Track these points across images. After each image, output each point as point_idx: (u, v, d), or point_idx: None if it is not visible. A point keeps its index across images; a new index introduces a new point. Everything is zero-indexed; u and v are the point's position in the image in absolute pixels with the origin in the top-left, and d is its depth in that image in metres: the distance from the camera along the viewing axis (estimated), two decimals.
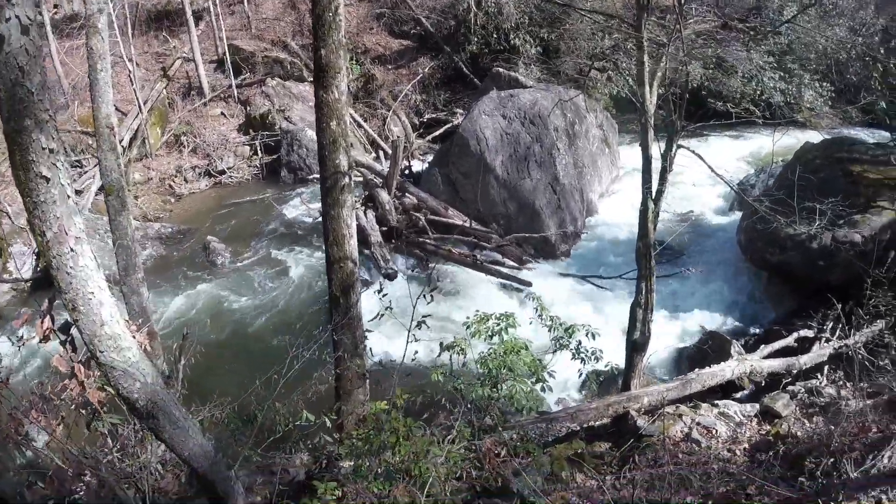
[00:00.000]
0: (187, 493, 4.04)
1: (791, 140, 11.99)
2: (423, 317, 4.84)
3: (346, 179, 5.43)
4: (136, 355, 2.95)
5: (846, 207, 9.08)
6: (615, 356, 7.01)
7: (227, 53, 17.39)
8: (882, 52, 10.29)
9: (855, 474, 4.12)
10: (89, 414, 3.54)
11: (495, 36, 16.77)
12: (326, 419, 5.00)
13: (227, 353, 8.80)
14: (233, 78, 17.29)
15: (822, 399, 7.18)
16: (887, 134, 10.17)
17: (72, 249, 2.56)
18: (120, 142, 9.62)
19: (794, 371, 7.71)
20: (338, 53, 5.11)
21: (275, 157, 15.87)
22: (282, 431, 4.94)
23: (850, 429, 4.78)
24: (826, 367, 7.87)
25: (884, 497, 3.80)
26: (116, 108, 9.53)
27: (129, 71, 15.36)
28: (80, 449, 3.39)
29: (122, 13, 16.51)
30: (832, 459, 4.40)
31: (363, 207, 11.81)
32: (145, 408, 3.04)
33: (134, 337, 3.08)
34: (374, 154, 15.23)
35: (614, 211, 12.32)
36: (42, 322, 2.94)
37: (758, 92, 10.92)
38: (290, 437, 5.30)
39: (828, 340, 8.11)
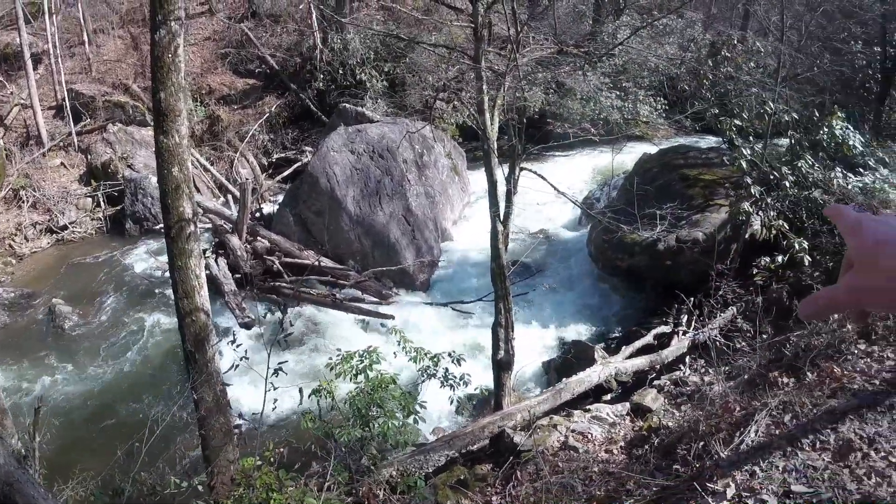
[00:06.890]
0: None
1: (634, 154, 12.99)
2: (280, 363, 4.74)
3: (192, 227, 5.25)
4: None
5: (684, 209, 9.90)
6: (485, 378, 7.09)
7: (67, 98, 16.31)
8: (710, 63, 11.46)
9: (725, 453, 4.29)
10: None
11: (341, 72, 16.79)
12: (197, 484, 4.78)
13: (85, 425, 8.18)
14: (72, 125, 16.12)
15: (687, 388, 7.63)
16: (719, 139, 11.17)
17: None
18: None
19: (658, 366, 8.14)
20: (177, 96, 4.98)
21: (119, 207, 14.94)
22: (151, 503, 4.71)
23: (716, 411, 5.00)
24: (687, 358, 8.42)
25: (756, 468, 4.02)
26: None
27: None
28: None
29: None
30: (702, 443, 4.58)
31: (214, 255, 11.27)
32: (1, 492, 2.86)
33: None
34: (222, 198, 14.59)
35: (468, 236, 12.47)
36: None
37: (596, 111, 11.78)
38: None
39: (685, 333, 8.72)
